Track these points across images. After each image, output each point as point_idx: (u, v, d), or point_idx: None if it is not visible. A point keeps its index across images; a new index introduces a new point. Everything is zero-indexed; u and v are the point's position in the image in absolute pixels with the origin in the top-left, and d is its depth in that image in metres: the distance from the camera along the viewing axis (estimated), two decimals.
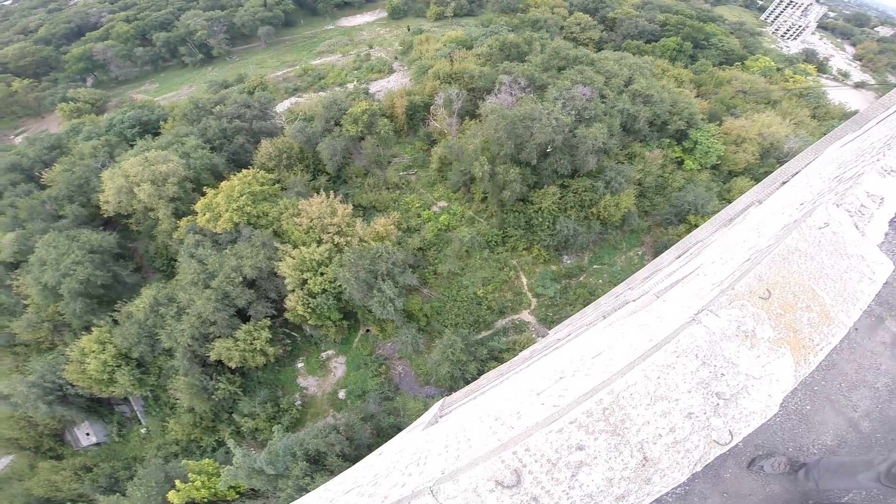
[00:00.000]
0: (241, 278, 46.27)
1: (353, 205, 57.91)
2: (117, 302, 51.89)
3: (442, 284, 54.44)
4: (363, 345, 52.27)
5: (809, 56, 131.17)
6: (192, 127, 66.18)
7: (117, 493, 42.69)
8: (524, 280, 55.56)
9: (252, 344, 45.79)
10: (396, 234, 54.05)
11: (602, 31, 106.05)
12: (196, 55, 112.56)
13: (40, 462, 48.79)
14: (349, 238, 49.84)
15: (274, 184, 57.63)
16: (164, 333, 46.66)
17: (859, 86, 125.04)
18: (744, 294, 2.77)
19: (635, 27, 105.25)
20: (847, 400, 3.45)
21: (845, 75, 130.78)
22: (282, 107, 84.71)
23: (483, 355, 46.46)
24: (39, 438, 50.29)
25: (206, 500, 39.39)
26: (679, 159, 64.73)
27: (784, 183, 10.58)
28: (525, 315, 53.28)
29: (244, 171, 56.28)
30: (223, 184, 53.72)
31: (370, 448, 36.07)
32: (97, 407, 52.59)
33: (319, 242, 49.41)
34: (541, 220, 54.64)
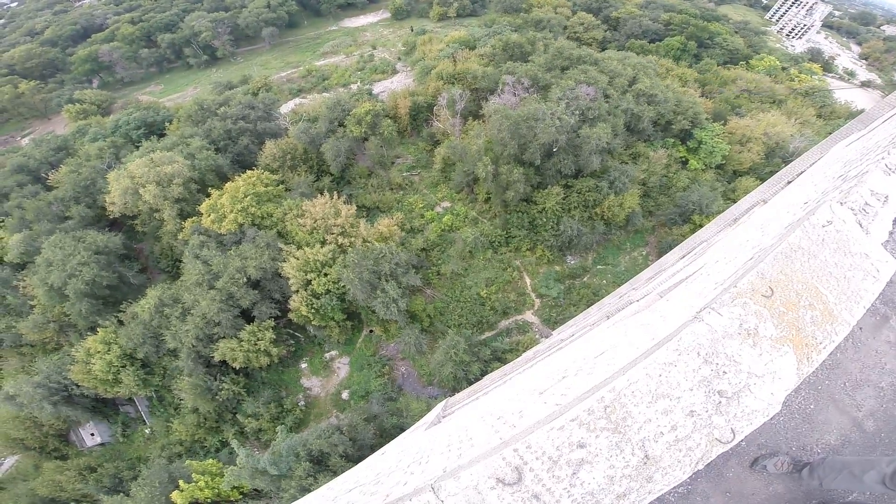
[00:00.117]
0: (245, 279, 46.41)
1: (357, 205, 58.00)
2: (123, 303, 52.17)
3: (445, 285, 54.40)
4: (366, 345, 52.30)
5: (815, 55, 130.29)
6: (197, 128, 66.51)
7: (121, 494, 42.90)
8: (528, 280, 55.44)
9: (256, 344, 45.92)
10: (400, 235, 54.06)
11: (605, 31, 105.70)
12: (201, 56, 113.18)
13: (45, 462, 49.08)
14: (353, 239, 49.90)
15: (278, 185, 57.79)
16: (169, 334, 46.87)
17: (865, 85, 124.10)
18: (746, 292, 2.74)
19: (639, 27, 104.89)
20: (851, 399, 3.42)
21: (851, 74, 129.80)
22: (286, 108, 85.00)
23: (486, 356, 46.38)
24: (44, 438, 50.58)
25: (209, 500, 39.50)
26: (683, 159, 64.42)
27: (789, 182, 10.49)
28: (528, 316, 53.15)
29: (248, 172, 56.46)
30: (228, 185, 53.92)
31: (373, 448, 36.06)
32: (102, 407, 52.90)
33: (323, 243, 49.50)
34: (544, 220, 54.51)
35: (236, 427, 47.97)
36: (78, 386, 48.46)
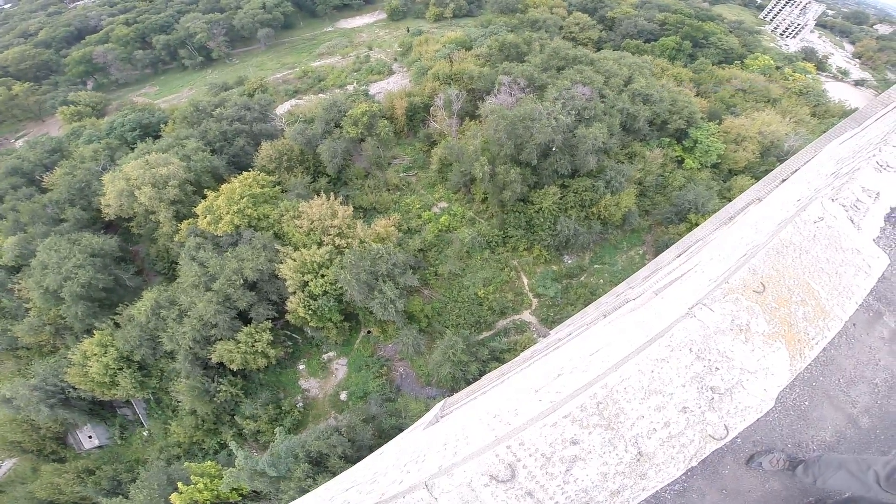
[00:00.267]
0: (242, 281, 46.29)
1: (354, 206, 57.93)
2: (119, 305, 51.97)
3: (443, 285, 54.39)
4: (364, 346, 52.24)
5: (809, 54, 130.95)
6: (193, 129, 66.26)
7: (120, 496, 42.84)
8: (525, 280, 55.50)
9: (253, 346, 45.81)
10: (397, 236, 54.02)
11: (601, 31, 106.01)
12: (196, 58, 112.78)
13: (43, 465, 48.94)
14: (350, 240, 49.83)
15: (274, 186, 57.66)
16: (166, 336, 46.70)
17: (859, 84, 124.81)
18: (738, 288, 2.76)
19: (634, 26, 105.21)
20: (846, 396, 3.43)
21: (845, 73, 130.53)
22: (282, 109, 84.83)
23: (484, 356, 46.40)
24: (42, 441, 50.40)
25: (208, 502, 39.35)
26: (679, 158, 64.64)
27: (784, 180, 10.54)
28: (526, 315, 53.21)
29: (245, 173, 56.30)
30: (224, 186, 53.77)
31: (372, 449, 36.03)
32: (99, 410, 52.68)
33: (320, 244, 49.41)
34: (541, 220, 54.57)
35: (234, 429, 47.83)
36: (75, 388, 48.28)
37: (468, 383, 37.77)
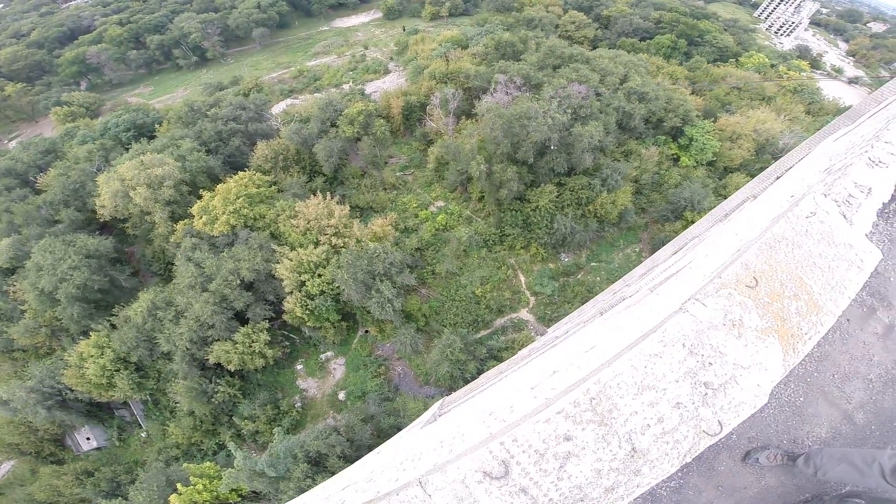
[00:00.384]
0: (238, 281, 46.14)
1: (351, 206, 57.77)
2: (115, 306, 51.69)
3: (440, 284, 54.40)
4: (362, 346, 52.20)
5: (803, 52, 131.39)
6: (188, 130, 65.90)
7: (119, 498, 42.85)
8: (522, 278, 55.56)
9: (251, 346, 45.70)
10: (394, 235, 53.95)
11: (597, 29, 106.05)
12: (190, 58, 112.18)
13: (41, 467, 48.82)
14: (346, 239, 49.75)
15: (270, 186, 57.46)
16: (163, 337, 46.51)
17: (853, 81, 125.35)
18: (730, 282, 2.76)
19: (630, 25, 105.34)
20: (840, 391, 3.44)
21: (839, 71, 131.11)
22: (277, 108, 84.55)
23: (482, 354, 46.45)
24: (40, 443, 50.20)
25: (207, 503, 39.29)
26: (675, 156, 64.83)
27: (778, 178, 10.58)
28: (524, 313, 53.29)
29: (240, 173, 56.09)
30: (219, 186, 53.53)
31: (370, 449, 35.99)
32: (97, 411, 52.49)
33: (317, 244, 49.30)
34: (538, 218, 54.63)
35: (233, 429, 47.72)
36: (72, 390, 48.08)
37: (466, 382, 37.78)
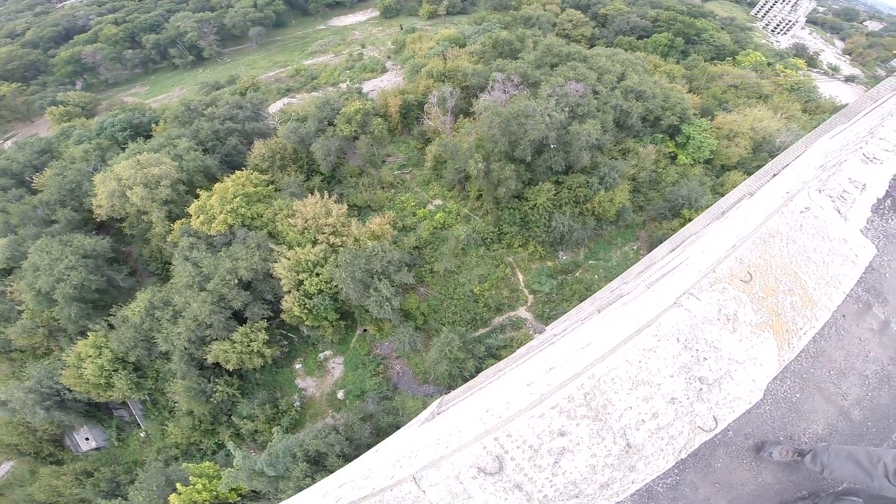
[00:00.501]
0: (236, 280, 46.03)
1: (348, 205, 57.67)
2: (112, 306, 51.53)
3: (438, 283, 54.36)
4: (361, 345, 52.16)
5: (799, 51, 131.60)
6: (184, 129, 65.66)
7: (119, 498, 42.83)
8: (520, 277, 55.58)
9: (249, 346, 45.62)
10: (392, 234, 53.89)
11: (594, 28, 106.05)
12: (186, 57, 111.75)
13: (41, 467, 48.78)
14: (344, 238, 49.66)
15: (268, 185, 57.29)
16: (161, 337, 46.39)
17: (849, 80, 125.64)
18: (725, 277, 2.75)
19: (627, 23, 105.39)
20: (836, 388, 3.43)
21: (835, 69, 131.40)
22: (274, 107, 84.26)
23: (481, 353, 46.44)
24: (39, 444, 50.12)
25: (207, 502, 39.24)
26: (672, 154, 64.86)
27: (775, 175, 10.58)
28: (522, 312, 53.31)
29: (237, 172, 55.85)
30: (217, 186, 53.33)
31: (369, 447, 36.01)
32: (95, 411, 52.38)
33: (315, 243, 49.19)
34: (536, 216, 54.63)
35: (232, 429, 47.67)
36: (70, 390, 47.99)
37: (465, 380, 37.79)
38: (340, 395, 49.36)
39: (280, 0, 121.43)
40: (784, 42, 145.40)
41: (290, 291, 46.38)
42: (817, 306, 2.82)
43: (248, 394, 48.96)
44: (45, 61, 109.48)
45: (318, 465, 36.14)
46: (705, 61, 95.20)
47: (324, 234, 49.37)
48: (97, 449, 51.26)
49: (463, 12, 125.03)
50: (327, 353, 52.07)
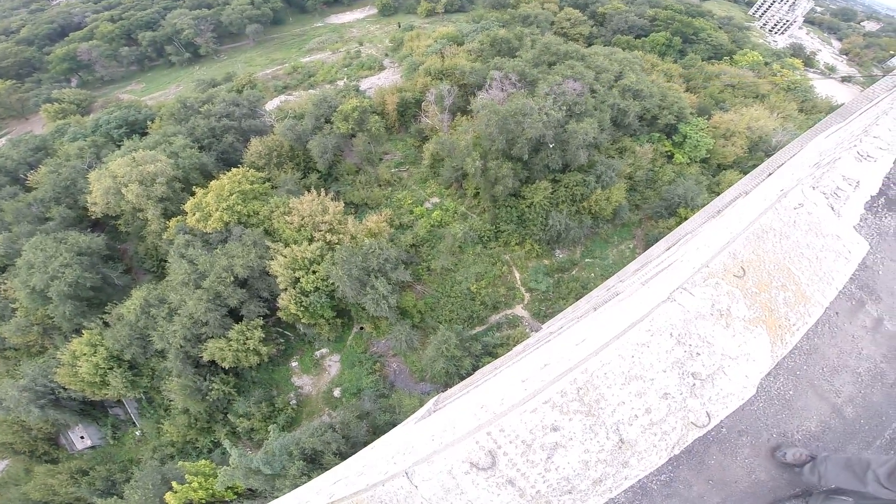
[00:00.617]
0: (232, 278, 45.86)
1: (345, 202, 57.58)
2: (107, 304, 51.26)
3: (435, 280, 54.35)
4: (357, 342, 52.10)
5: (797, 50, 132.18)
6: (181, 126, 65.30)
7: (115, 496, 42.59)
8: (517, 275, 55.63)
9: (245, 344, 45.44)
10: (389, 231, 53.81)
11: (592, 27, 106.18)
12: (183, 54, 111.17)
13: (36, 466, 48.55)
14: (341, 235, 49.56)
15: (264, 182, 57.10)
16: (156, 335, 46.16)
17: (846, 79, 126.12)
18: (718, 272, 2.74)
19: (625, 22, 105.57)
20: (829, 385, 3.42)
21: (832, 69, 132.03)
22: (271, 105, 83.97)
23: (477, 351, 46.45)
24: (34, 442, 49.88)
25: (203, 500, 39.17)
26: (669, 153, 65.01)
27: (770, 174, 10.61)
28: (518, 310, 53.37)
29: (234, 169, 55.62)
30: (213, 183, 53.10)
31: (366, 445, 36.04)
32: (91, 410, 52.10)
33: (311, 240, 49.08)
34: (533, 214, 54.68)
35: (228, 427, 47.52)
36: (65, 389, 47.66)
37: (462, 378, 37.86)
38: (337, 392, 49.30)
39: None
40: (781, 42, 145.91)
41: (286, 289, 46.25)
42: (810, 302, 2.82)
43: (245, 392, 48.83)
44: (40, 58, 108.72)
45: (315, 464, 36.11)
46: (703, 60, 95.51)
47: (320, 231, 49.26)
48: (92, 447, 51.04)
49: (461, 10, 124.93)
50: (324, 350, 51.99)
